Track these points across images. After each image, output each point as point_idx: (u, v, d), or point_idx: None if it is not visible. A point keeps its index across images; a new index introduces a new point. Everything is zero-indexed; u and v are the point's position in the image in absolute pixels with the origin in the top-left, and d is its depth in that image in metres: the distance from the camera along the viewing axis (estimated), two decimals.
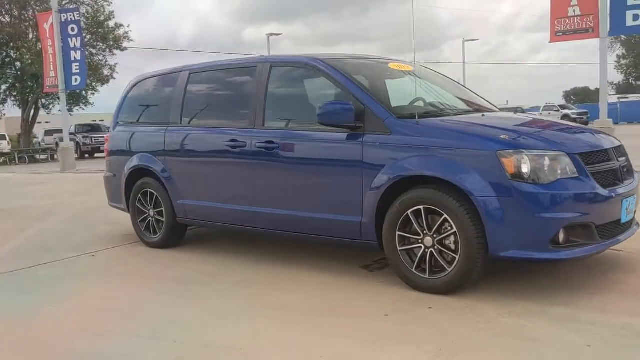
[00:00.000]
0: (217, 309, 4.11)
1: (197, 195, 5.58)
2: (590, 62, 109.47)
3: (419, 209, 4.09)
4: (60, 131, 31.98)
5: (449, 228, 3.98)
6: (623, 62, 50.76)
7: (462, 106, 5.08)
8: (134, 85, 6.49)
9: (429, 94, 5.00)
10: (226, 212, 5.37)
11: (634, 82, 52.93)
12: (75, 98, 34.02)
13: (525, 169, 3.77)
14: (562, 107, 47.01)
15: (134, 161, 6.15)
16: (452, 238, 3.98)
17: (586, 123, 43.06)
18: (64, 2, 18.17)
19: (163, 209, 5.91)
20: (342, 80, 4.63)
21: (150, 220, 6.11)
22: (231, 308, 4.10)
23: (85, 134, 30.65)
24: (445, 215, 3.96)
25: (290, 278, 4.75)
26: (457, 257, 3.95)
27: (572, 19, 12.37)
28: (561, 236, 3.77)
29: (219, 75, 5.71)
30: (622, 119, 45.75)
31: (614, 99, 52.03)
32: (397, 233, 4.21)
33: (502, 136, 3.99)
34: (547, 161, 3.82)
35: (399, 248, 4.22)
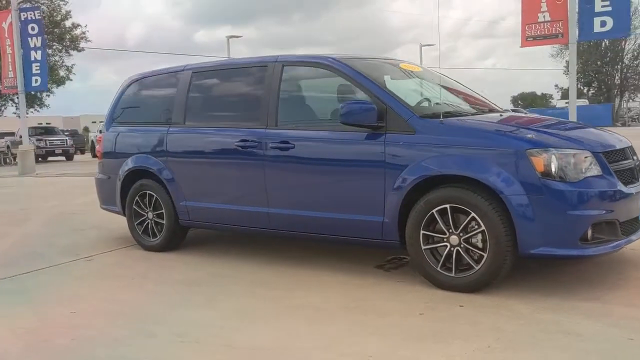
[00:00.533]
0: (239, 310, 4.03)
1: (202, 197, 5.47)
2: (536, 68, 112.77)
3: (445, 208, 4.11)
4: (11, 134, 31.06)
5: (476, 226, 4.02)
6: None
7: (475, 106, 5.13)
8: (129, 85, 6.32)
9: (441, 95, 5.04)
10: (234, 214, 5.28)
11: (581, 87, 54.84)
12: (30, 100, 32.92)
13: (554, 167, 3.84)
14: (515, 111, 48.05)
15: (131, 162, 5.99)
16: (480, 236, 4.02)
17: None
18: (18, 2, 17.46)
19: (164, 211, 5.77)
20: (361, 79, 4.62)
21: (148, 223, 5.95)
22: (255, 309, 4.03)
23: (39, 137, 29.65)
24: (473, 214, 3.99)
25: (307, 279, 4.71)
26: (485, 255, 3.99)
27: (542, 24, 12.67)
28: (589, 233, 3.85)
29: (225, 75, 5.63)
30: None
31: (561, 103, 53.75)
32: (422, 232, 4.22)
33: (529, 135, 4.06)
34: (574, 159, 3.90)
35: (423, 247, 4.23)
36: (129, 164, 6.01)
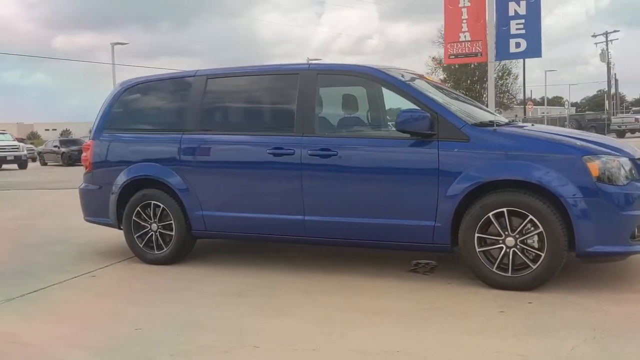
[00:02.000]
0: (318, 316, 4.00)
1: (224, 206, 5.32)
2: None
3: (502, 211, 4.35)
4: None
5: (532, 228, 4.29)
6: (446, 85, 55.86)
7: (499, 118, 5.43)
8: (124, 91, 5.97)
9: (463, 106, 5.30)
10: (262, 222, 5.18)
11: None
12: None
13: (607, 172, 4.22)
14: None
15: (132, 171, 5.66)
16: (536, 237, 4.30)
17: None
18: None
19: (173, 222, 5.51)
20: (409, 90, 4.78)
21: (152, 235, 5.65)
22: (334, 315, 4.02)
23: None
24: (530, 216, 4.27)
25: (355, 284, 4.75)
26: (542, 254, 4.27)
27: (463, 43, 13.50)
28: (635, 231, 4.26)
29: (247, 82, 5.52)
30: None
31: None
32: (476, 235, 4.43)
33: (579, 143, 4.42)
34: (621, 165, 4.30)
35: (477, 249, 4.44)
36: (129, 173, 5.68)
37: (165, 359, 3.38)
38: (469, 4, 13.66)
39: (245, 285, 4.87)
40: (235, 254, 6.06)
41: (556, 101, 73.82)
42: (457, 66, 52.72)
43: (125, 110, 5.97)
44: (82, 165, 6.35)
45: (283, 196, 5.07)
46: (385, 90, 5.14)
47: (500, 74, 52.65)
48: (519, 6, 13.01)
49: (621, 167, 4.30)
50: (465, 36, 13.72)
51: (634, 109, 47.20)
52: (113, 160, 5.88)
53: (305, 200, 4.97)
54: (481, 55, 13.63)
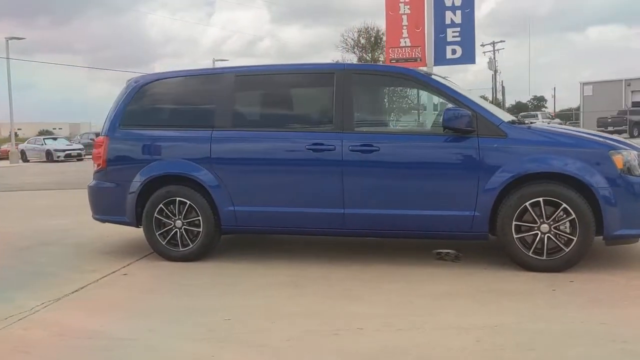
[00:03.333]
0: (394, 301, 4.23)
1: (258, 201, 5.41)
2: None
3: (538, 201, 4.81)
4: None
5: (564, 215, 4.79)
6: None
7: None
8: (141, 87, 5.87)
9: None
10: (300, 216, 5.33)
11: None
12: None
13: (627, 164, 4.79)
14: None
15: (157, 168, 5.62)
16: (568, 224, 4.79)
17: None
18: None
19: (200, 218, 5.53)
20: (448, 90, 5.14)
21: (176, 232, 5.62)
22: (408, 300, 4.27)
23: None
24: (564, 205, 4.76)
25: (397, 272, 5.03)
26: (574, 239, 4.77)
27: (403, 49, 14.14)
28: None
29: (280, 80, 5.64)
30: None
31: None
32: (514, 223, 4.87)
33: (601, 139, 4.98)
34: (635, 158, 4.90)
35: (515, 236, 4.88)
36: (152, 169, 5.62)
37: (281, 343, 3.49)
38: (409, 12, 14.30)
39: (293, 277, 5.00)
40: (248, 250, 6.13)
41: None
42: None
43: (144, 106, 5.88)
44: None
45: (322, 190, 5.26)
46: (420, 90, 5.44)
47: None
48: (455, 15, 13.77)
49: (637, 159, 4.89)
50: (405, 42, 14.37)
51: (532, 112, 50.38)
52: (132, 156, 5.78)
53: (345, 194, 5.18)
54: (420, 60, 14.33)
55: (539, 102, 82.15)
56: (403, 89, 5.50)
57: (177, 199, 5.59)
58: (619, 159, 4.78)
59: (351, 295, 4.44)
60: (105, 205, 5.95)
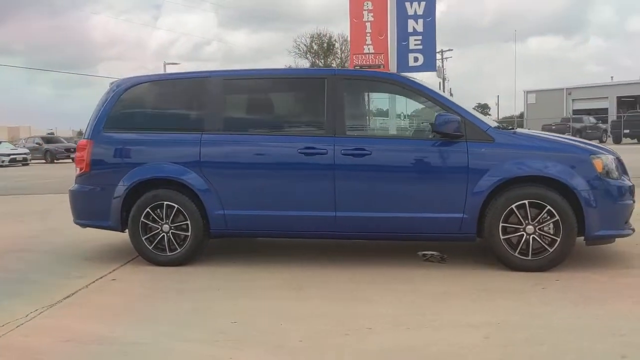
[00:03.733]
0: (387, 302, 4.33)
1: (249, 205, 5.43)
2: None
3: (523, 203, 5.02)
4: None
5: (548, 217, 5.01)
6: None
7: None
8: (126, 89, 5.80)
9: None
10: (290, 220, 5.39)
11: None
12: None
13: (606, 168, 5.06)
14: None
15: (144, 171, 5.56)
16: (552, 225, 5.01)
17: None
18: None
19: (189, 222, 5.51)
20: (437, 96, 5.31)
21: (163, 236, 5.58)
22: (401, 300, 4.39)
23: None
24: (548, 207, 4.98)
25: (389, 273, 5.15)
26: (558, 239, 4.99)
27: (367, 55, 14.36)
28: (628, 217, 5.15)
29: (269, 84, 5.69)
30: None
31: None
32: (501, 224, 5.06)
33: (582, 145, 5.23)
34: (614, 163, 5.17)
35: (502, 237, 5.07)
36: (139, 173, 5.57)
37: (296, 344, 3.54)
38: (372, 19, 14.51)
39: (292, 279, 5.04)
40: (235, 253, 6.13)
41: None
42: None
43: (128, 109, 5.82)
44: None
45: (314, 193, 5.33)
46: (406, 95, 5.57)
47: None
48: (417, 24, 14.04)
49: (615, 164, 5.17)
50: (369, 49, 14.58)
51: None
52: (117, 160, 5.70)
53: (337, 197, 5.27)
54: (383, 67, 14.56)
55: (482, 110, 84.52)
56: (391, 94, 5.57)
57: (165, 202, 5.55)
58: (598, 163, 5.04)
59: (355, 297, 4.51)
60: (88, 210, 5.85)
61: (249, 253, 6.16)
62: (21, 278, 5.35)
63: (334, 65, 52.45)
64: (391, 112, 5.67)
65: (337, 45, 54.99)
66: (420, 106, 5.70)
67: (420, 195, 5.21)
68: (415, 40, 14.21)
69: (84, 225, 6.00)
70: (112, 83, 6.04)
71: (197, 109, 5.65)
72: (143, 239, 5.60)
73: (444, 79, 59.28)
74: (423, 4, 14.02)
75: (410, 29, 14.09)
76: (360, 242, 6.18)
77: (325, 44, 55.19)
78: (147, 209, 5.57)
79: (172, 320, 4.06)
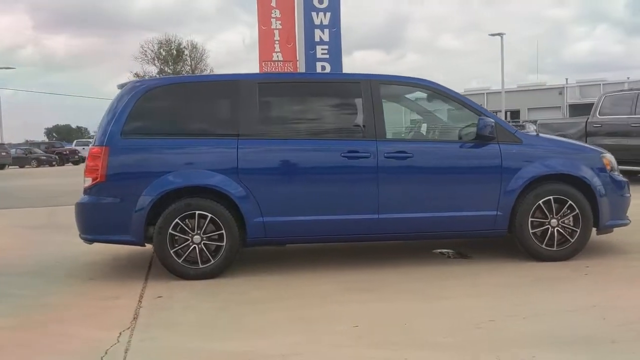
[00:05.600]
0: (450, 297, 4.56)
1: (291, 211, 5.31)
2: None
3: (549, 199, 5.51)
4: None
5: (569, 211, 5.54)
6: None
7: None
8: (144, 93, 5.36)
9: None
10: (333, 223, 5.37)
11: None
12: None
13: (611, 165, 5.73)
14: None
15: (174, 180, 5.21)
16: (571, 218, 5.54)
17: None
18: None
19: (224, 231, 5.25)
20: (467, 100, 5.63)
21: (193, 248, 5.26)
22: (461, 295, 4.63)
23: None
24: (570, 202, 5.51)
25: (434, 270, 5.38)
26: (577, 231, 5.54)
27: (276, 63, 14.45)
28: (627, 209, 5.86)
29: (305, 89, 5.63)
30: None
31: None
32: (530, 219, 5.50)
33: (590, 145, 5.85)
34: (614, 160, 5.85)
35: (530, 231, 5.51)
36: (167, 182, 5.20)
37: (444, 339, 3.61)
38: (280, 27, 14.68)
39: (353, 282, 5.04)
40: (251, 263, 5.92)
41: None
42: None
43: (150, 113, 5.40)
44: None
45: (357, 196, 5.37)
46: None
47: None
48: (323, 33, 14.46)
49: (615, 161, 5.85)
50: (277, 56, 14.71)
51: None
52: (140, 169, 5.27)
53: (380, 199, 5.36)
54: None
55: None
56: (424, 98, 5.80)
57: (197, 212, 5.23)
58: (606, 161, 5.69)
59: (439, 295, 4.63)
60: (102, 224, 5.32)
61: (269, 262, 5.96)
62: (55, 302, 4.73)
63: (184, 72, 51.27)
64: (425, 116, 5.85)
65: (186, 52, 53.85)
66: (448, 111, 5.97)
67: (459, 195, 5.47)
68: (322, 49, 14.56)
69: (92, 241, 5.46)
70: (122, 85, 5.57)
71: (231, 113, 5.41)
72: (171, 252, 5.22)
73: None
74: (329, 14, 14.43)
75: (317, 39, 14.41)
76: (382, 243, 6.29)
77: (174, 51, 53.70)
78: (177, 220, 5.21)
79: (294, 329, 3.92)
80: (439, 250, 6.08)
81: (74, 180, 19.98)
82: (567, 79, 45.17)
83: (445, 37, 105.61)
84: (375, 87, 5.47)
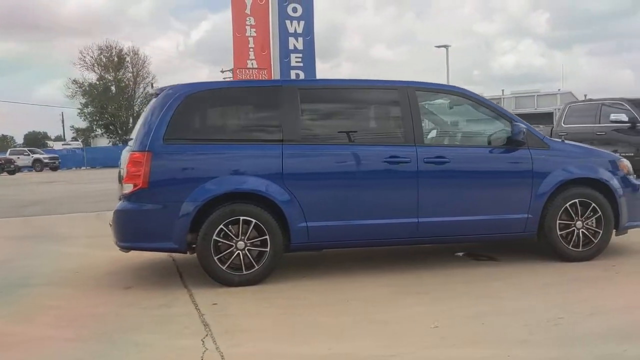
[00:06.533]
0: (510, 298, 4.73)
1: (333, 215, 5.35)
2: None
3: (575, 202, 5.77)
4: None
5: (592, 213, 5.82)
6: (86, 110, 53.88)
7: None
8: (186, 97, 5.27)
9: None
10: (375, 228, 5.43)
11: (98, 129, 56.83)
12: None
13: (627, 169, 6.06)
14: (32, 151, 46.36)
15: (220, 185, 5.15)
16: (594, 220, 5.82)
17: (57, 168, 43.84)
18: None
19: (268, 236, 5.23)
20: (498, 107, 5.83)
21: (237, 254, 5.21)
22: (528, 294, 4.81)
23: None
24: (593, 204, 5.79)
25: (477, 271, 5.53)
26: (600, 232, 5.83)
27: (250, 70, 14.42)
28: None
29: (345, 94, 5.67)
30: (87, 164, 48.42)
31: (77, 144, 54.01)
32: (558, 222, 5.75)
33: (606, 151, 6.16)
34: (630, 165, 6.19)
35: (558, 233, 5.76)
36: (213, 187, 5.14)
37: (529, 337, 3.74)
38: (255, 34, 14.69)
39: (405, 286, 5.11)
40: (286, 268, 5.89)
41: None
42: (100, 90, 51.38)
43: (193, 118, 5.30)
44: None
45: (398, 201, 5.46)
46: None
47: (145, 100, 53.63)
48: (297, 41, 14.56)
49: (630, 165, 6.19)
50: (252, 64, 14.69)
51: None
52: (185, 174, 5.19)
53: (420, 203, 5.47)
54: None
55: None
56: (457, 104, 5.96)
57: (242, 218, 5.18)
58: (623, 165, 6.01)
59: (488, 294, 4.79)
60: (143, 231, 5.19)
61: (301, 268, 5.94)
62: (107, 312, 4.57)
63: (125, 80, 50.12)
64: (460, 123, 6.02)
65: (127, 59, 52.55)
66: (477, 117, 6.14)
67: (493, 198, 5.65)
68: (296, 57, 14.61)
69: (130, 249, 5.33)
70: (159, 90, 5.46)
71: (275, 119, 5.38)
72: (215, 258, 5.15)
73: None
74: (302, 23, 14.52)
75: (291, 47, 14.46)
76: (401, 247, 6.40)
77: (115, 57, 52.32)
78: (221, 226, 5.15)
79: (367, 332, 3.96)
80: (460, 253, 6.24)
81: (28, 189, 19.34)
82: (503, 90, 46.98)
83: (378, 47, 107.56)
84: (412, 93, 5.59)
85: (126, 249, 5.32)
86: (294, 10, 14.32)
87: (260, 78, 14.21)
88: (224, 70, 63.96)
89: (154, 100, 5.39)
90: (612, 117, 12.13)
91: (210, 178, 5.17)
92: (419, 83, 5.76)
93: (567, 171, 5.77)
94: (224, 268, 5.17)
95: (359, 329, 4.05)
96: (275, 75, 14.18)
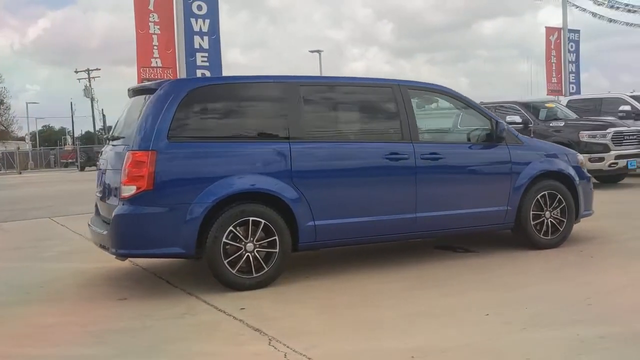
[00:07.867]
0: (524, 288, 5.06)
1: (338, 213, 5.30)
2: None
3: (545, 194, 6.23)
4: None
5: (557, 204, 6.33)
6: None
7: None
8: (188, 92, 4.94)
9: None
10: (377, 224, 5.47)
11: None
12: None
13: (582, 163, 6.66)
14: None
15: (226, 186, 4.90)
16: (559, 210, 6.33)
17: None
18: None
19: (277, 237, 5.07)
20: (480, 107, 6.13)
21: (247, 256, 5.01)
22: (527, 284, 5.15)
23: None
24: (559, 196, 6.30)
25: (472, 264, 5.77)
26: (564, 220, 6.35)
27: (155, 69, 13.84)
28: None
29: (345, 92, 5.66)
30: None
31: None
32: (531, 213, 6.18)
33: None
34: (583, 159, 6.79)
35: (532, 223, 6.19)
36: (222, 188, 4.88)
37: (515, 328, 4.02)
38: (159, 32, 14.22)
39: (410, 280, 5.19)
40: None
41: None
42: None
43: (197, 115, 5.00)
44: None
45: (398, 197, 5.55)
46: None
47: None
48: (203, 40, 14.34)
49: (584, 159, 6.80)
50: (156, 62, 14.18)
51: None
52: (192, 174, 4.88)
53: (417, 199, 5.61)
54: None
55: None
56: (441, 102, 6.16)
57: (251, 219, 4.99)
58: (580, 159, 6.61)
59: (508, 284, 5.00)
60: (146, 236, 4.81)
61: (308, 267, 5.77)
62: (134, 327, 4.16)
63: None
64: (444, 119, 6.23)
65: None
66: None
67: (480, 192, 5.94)
68: (202, 57, 14.32)
69: (129, 256, 4.96)
70: (156, 84, 5.08)
71: (281, 117, 5.21)
72: (225, 262, 4.91)
73: (92, 99, 57.00)
74: (208, 21, 14.28)
75: (197, 46, 14.17)
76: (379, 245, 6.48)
77: None
78: (231, 227, 4.91)
79: (424, 324, 4.01)
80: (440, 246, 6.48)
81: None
82: None
83: (233, 51, 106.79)
84: (404, 91, 5.71)
85: (123, 256, 4.89)
86: (199, 8, 13.98)
87: (165, 77, 13.65)
88: (77, 70, 60.33)
89: (152, 95, 5.00)
90: (508, 118, 13.13)
91: (220, 177, 4.91)
92: (409, 82, 5.91)
93: (539, 165, 6.21)
94: (234, 272, 4.93)
95: (415, 322, 4.06)
96: (181, 74, 13.67)
